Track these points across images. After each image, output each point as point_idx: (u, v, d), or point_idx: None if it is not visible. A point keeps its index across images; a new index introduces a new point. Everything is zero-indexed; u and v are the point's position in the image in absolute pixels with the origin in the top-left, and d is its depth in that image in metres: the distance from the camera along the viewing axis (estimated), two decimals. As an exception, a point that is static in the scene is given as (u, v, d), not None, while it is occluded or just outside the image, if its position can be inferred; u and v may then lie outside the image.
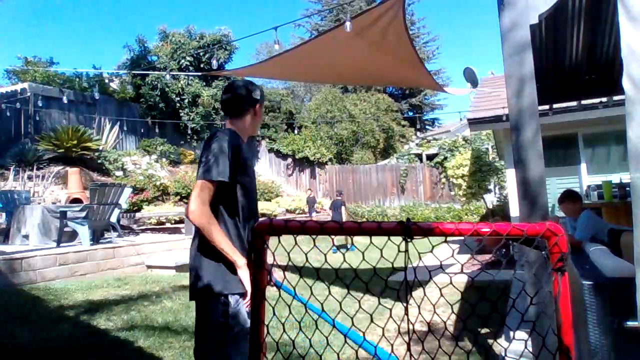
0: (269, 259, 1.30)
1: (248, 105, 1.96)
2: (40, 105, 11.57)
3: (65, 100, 10.60)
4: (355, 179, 17.26)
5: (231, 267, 1.72)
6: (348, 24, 3.95)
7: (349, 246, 9.51)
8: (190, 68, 15.37)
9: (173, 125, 15.93)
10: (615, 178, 6.01)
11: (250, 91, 1.97)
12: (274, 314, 1.33)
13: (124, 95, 16.13)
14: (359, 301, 1.23)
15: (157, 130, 15.00)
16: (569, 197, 4.00)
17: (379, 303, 1.47)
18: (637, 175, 1.24)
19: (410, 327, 1.18)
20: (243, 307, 1.73)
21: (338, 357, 1.16)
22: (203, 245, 1.75)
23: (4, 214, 7.66)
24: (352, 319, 1.30)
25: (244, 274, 1.67)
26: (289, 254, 1.24)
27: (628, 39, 1.24)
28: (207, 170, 1.67)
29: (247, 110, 1.97)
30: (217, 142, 1.73)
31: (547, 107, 5.78)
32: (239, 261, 1.67)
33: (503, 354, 2.67)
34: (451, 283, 1.42)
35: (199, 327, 1.79)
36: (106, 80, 16.67)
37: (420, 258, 1.35)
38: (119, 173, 12.50)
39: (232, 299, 1.72)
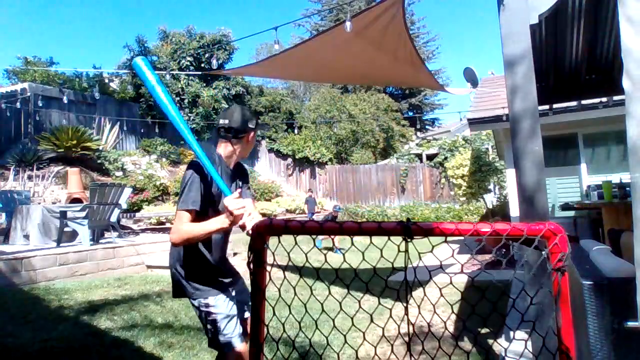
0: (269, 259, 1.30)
1: (242, 133, 2.07)
2: (40, 105, 11.58)
3: (65, 100, 10.61)
4: (355, 179, 17.25)
5: (209, 277, 2.02)
6: (348, 24, 3.95)
7: (338, 251, 8.81)
8: (191, 68, 15.37)
9: (173, 125, 15.90)
10: (615, 178, 6.00)
11: (247, 120, 2.08)
12: (274, 314, 1.33)
13: (124, 95, 16.13)
14: (359, 301, 1.23)
15: (157, 130, 15.00)
16: None
17: (379, 303, 1.47)
18: (637, 175, 1.24)
19: (410, 327, 1.18)
20: (225, 306, 2.00)
21: (338, 357, 1.16)
22: (182, 260, 2.01)
23: (4, 214, 7.66)
24: (352, 319, 1.30)
25: (228, 216, 1.76)
26: (289, 254, 1.24)
27: (627, 38, 1.24)
28: (183, 200, 1.88)
29: (240, 138, 2.08)
30: (187, 181, 1.92)
31: (547, 107, 5.78)
32: (220, 223, 1.79)
33: (503, 354, 2.67)
34: (451, 283, 1.42)
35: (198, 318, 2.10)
36: (106, 80, 16.67)
37: (420, 258, 1.35)
38: (119, 173, 12.50)
39: (210, 300, 1.99)
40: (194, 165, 1.96)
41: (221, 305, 2.00)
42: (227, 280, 2.09)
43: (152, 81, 1.69)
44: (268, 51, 23.85)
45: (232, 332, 1.99)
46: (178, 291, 2.07)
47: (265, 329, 1.26)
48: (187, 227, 1.83)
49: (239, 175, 2.19)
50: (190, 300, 2.04)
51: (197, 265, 2.02)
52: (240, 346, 2.00)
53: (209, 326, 2.00)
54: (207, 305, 1.98)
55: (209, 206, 1.95)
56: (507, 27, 2.54)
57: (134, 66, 1.70)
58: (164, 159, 14.70)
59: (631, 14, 1.24)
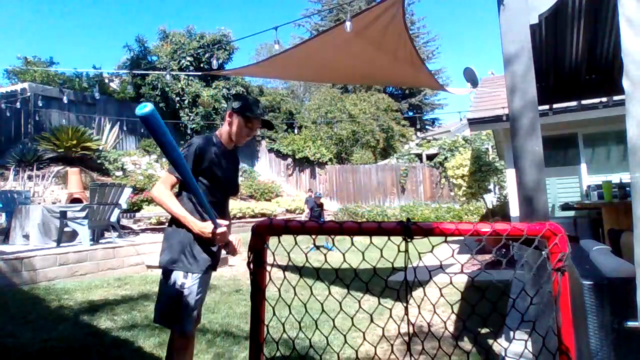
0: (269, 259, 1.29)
1: (225, 111, 2.29)
2: (40, 105, 11.57)
3: (65, 100, 10.59)
4: (355, 179, 17.25)
5: (193, 248, 2.08)
6: (348, 24, 3.95)
7: (329, 245, 8.91)
8: (191, 68, 15.37)
9: (173, 125, 15.92)
10: (615, 178, 6.00)
11: (232, 101, 2.25)
12: (274, 314, 1.33)
13: (124, 95, 16.13)
14: (359, 301, 1.23)
15: (157, 130, 14.96)
16: None
17: (379, 303, 1.47)
18: (637, 175, 1.24)
19: (410, 327, 1.18)
20: (196, 286, 2.07)
21: (338, 357, 1.16)
22: (171, 229, 2.14)
23: (4, 214, 7.66)
24: (352, 319, 1.30)
25: (199, 230, 2.01)
26: (289, 254, 1.24)
27: (626, 39, 1.24)
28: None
29: (225, 117, 2.27)
30: (186, 146, 2.13)
31: (547, 107, 5.78)
32: (194, 226, 2.02)
33: (503, 354, 2.67)
34: (451, 283, 1.42)
35: (159, 291, 2.16)
36: (106, 80, 16.67)
37: (420, 258, 1.35)
38: (119, 173, 12.50)
39: (189, 277, 2.06)
40: (200, 138, 2.16)
41: (196, 285, 2.09)
42: (212, 265, 2.20)
43: (164, 133, 1.59)
44: (268, 51, 23.85)
45: (195, 313, 2.10)
46: (165, 261, 2.12)
47: (265, 329, 1.26)
48: (169, 200, 2.03)
49: (236, 158, 2.39)
50: (167, 268, 2.07)
51: (201, 240, 2.09)
52: (192, 331, 2.15)
53: (177, 300, 2.04)
54: (182, 286, 2.05)
55: (200, 176, 2.11)
56: (507, 27, 2.54)
57: (145, 115, 1.46)
58: (164, 159, 14.68)
59: (630, 15, 1.24)
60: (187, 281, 2.05)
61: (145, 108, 1.45)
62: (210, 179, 2.14)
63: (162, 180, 2.09)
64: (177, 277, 2.05)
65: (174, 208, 2.03)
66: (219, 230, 1.98)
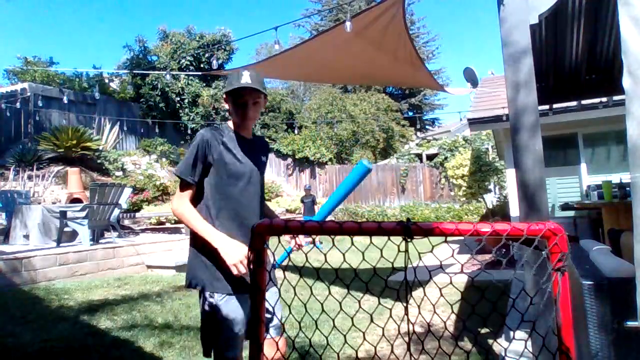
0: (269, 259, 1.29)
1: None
2: (40, 105, 11.57)
3: (65, 100, 10.60)
4: (355, 179, 17.23)
5: (217, 265, 1.77)
6: (348, 24, 3.95)
7: (318, 245, 9.01)
8: (191, 68, 15.37)
9: (173, 125, 15.93)
10: (615, 178, 5.99)
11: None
12: (274, 313, 1.33)
13: (124, 95, 16.13)
14: (359, 301, 1.23)
15: (157, 130, 14.99)
16: None
17: (379, 303, 1.47)
18: (637, 175, 1.23)
19: (410, 327, 1.18)
20: (229, 307, 1.78)
21: (338, 357, 1.16)
22: (193, 242, 1.87)
23: (4, 214, 7.66)
24: (352, 319, 1.30)
25: (222, 250, 1.71)
26: (289, 254, 1.24)
27: (629, 38, 1.24)
28: (180, 165, 1.85)
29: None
30: (193, 140, 1.88)
31: (547, 107, 5.78)
32: (215, 242, 1.72)
33: (503, 354, 2.67)
34: (451, 283, 1.42)
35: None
36: (106, 80, 16.67)
37: (420, 258, 1.35)
38: (119, 173, 12.50)
39: (216, 297, 1.79)
40: (207, 130, 1.88)
41: (230, 305, 1.79)
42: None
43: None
44: (268, 51, 23.85)
45: (235, 337, 1.79)
46: (190, 280, 1.86)
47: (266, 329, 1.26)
48: (190, 213, 1.78)
49: (261, 147, 2.08)
50: (200, 293, 1.83)
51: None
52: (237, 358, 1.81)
53: (212, 323, 1.80)
54: (210, 305, 1.79)
55: (211, 172, 1.84)
56: (507, 27, 2.54)
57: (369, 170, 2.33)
58: (164, 159, 14.70)
59: (637, 14, 1.23)
60: (214, 300, 1.78)
61: (370, 165, 2.19)
62: (225, 174, 1.84)
63: (178, 191, 1.83)
64: (206, 296, 1.80)
65: (200, 228, 1.75)
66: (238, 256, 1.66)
